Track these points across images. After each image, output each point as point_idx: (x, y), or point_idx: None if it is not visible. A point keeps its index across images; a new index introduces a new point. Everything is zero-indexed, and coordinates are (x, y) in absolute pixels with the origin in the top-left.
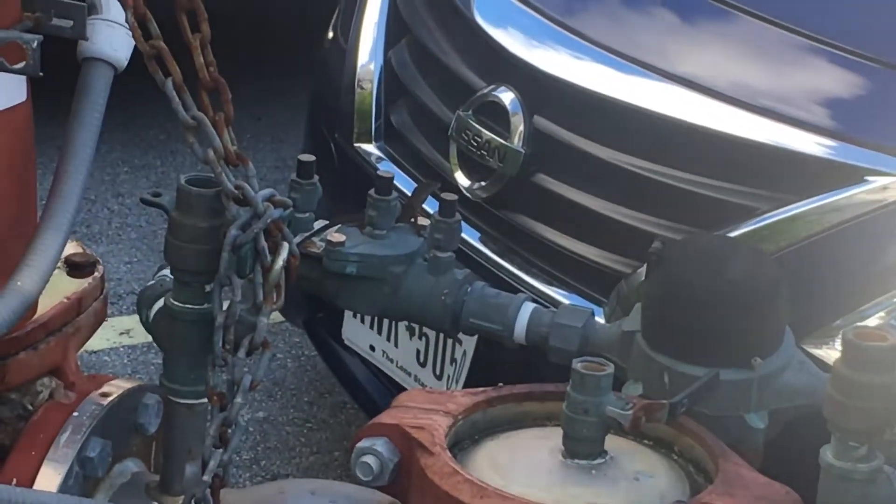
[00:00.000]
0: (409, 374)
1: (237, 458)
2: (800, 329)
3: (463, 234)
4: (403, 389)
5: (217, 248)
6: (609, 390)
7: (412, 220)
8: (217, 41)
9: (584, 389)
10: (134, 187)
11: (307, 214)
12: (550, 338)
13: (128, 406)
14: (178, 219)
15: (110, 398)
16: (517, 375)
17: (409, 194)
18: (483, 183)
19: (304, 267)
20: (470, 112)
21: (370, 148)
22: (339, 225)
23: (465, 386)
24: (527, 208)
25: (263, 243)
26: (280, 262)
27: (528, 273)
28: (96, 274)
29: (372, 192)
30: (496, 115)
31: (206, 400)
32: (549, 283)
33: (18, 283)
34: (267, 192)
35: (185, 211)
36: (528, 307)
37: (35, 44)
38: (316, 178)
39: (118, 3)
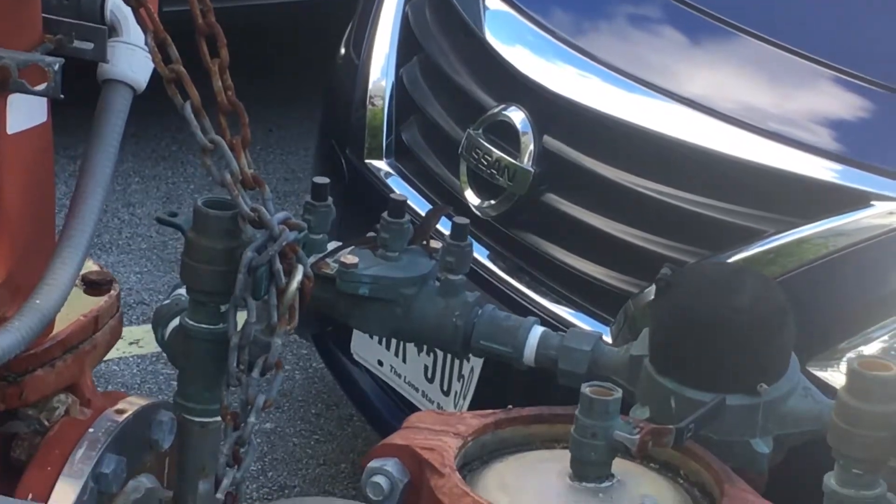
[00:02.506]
0: (417, 390)
1: None
2: (804, 352)
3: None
4: (410, 405)
5: (232, 269)
6: (617, 415)
7: (424, 242)
8: (230, 52)
9: (592, 414)
10: (145, 198)
11: (321, 236)
12: (559, 360)
13: (142, 422)
14: (195, 240)
15: (125, 415)
16: (524, 393)
17: (421, 214)
18: (493, 202)
19: (318, 287)
20: (480, 131)
21: (381, 164)
22: (353, 247)
23: (473, 402)
24: (536, 227)
25: (279, 265)
26: (295, 283)
27: (536, 292)
28: (112, 292)
29: (385, 214)
30: (506, 135)
31: (219, 418)
32: (557, 302)
33: (37, 302)
34: (282, 215)
35: (202, 232)
36: (538, 330)
37: (57, 66)
38: (330, 200)
39: (138, 26)
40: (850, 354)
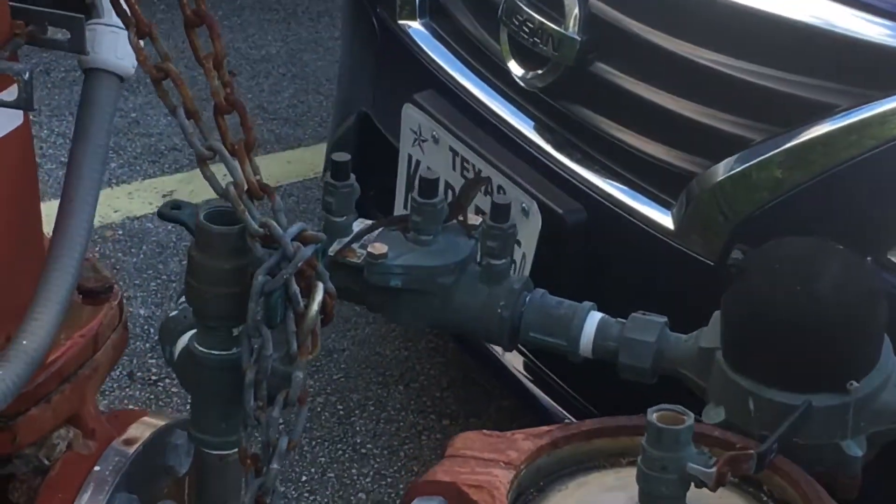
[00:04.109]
0: None
1: None
2: (885, 240)
3: (516, 124)
4: None
5: (243, 290)
6: (689, 444)
7: (461, 217)
8: None
9: (661, 445)
10: (171, 28)
11: (344, 218)
12: (620, 354)
13: (155, 450)
14: (199, 259)
15: (135, 446)
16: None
17: (461, 83)
18: (538, 72)
19: (345, 278)
20: None
21: (415, 25)
22: (381, 229)
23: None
24: (586, 100)
25: (295, 288)
26: (315, 306)
27: (587, 168)
28: (113, 301)
29: (414, 194)
30: None
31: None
32: (612, 181)
33: (24, 343)
34: (296, 228)
35: (206, 251)
36: (594, 318)
37: (27, 76)
38: (353, 178)
39: None
40: None
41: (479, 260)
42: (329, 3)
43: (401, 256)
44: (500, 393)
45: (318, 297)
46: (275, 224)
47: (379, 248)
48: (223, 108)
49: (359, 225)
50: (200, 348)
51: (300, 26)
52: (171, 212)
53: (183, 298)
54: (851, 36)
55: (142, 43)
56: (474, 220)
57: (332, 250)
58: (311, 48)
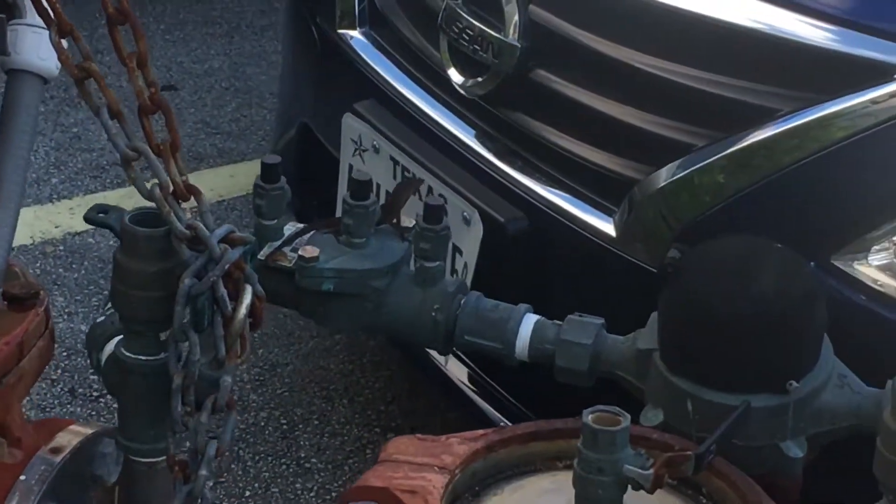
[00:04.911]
0: None
1: None
2: (828, 244)
3: (457, 133)
4: None
5: (170, 293)
6: (626, 445)
7: (395, 221)
8: None
9: (597, 447)
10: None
11: (275, 221)
12: (557, 356)
13: (83, 458)
14: (124, 262)
15: (62, 454)
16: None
17: (403, 93)
18: (478, 79)
19: (276, 282)
20: (459, 1)
21: (355, 34)
22: (313, 232)
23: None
24: (526, 107)
25: (223, 290)
26: (243, 309)
27: (529, 176)
28: (39, 308)
29: (347, 196)
30: (488, 5)
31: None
32: (552, 188)
33: None
34: (223, 229)
35: (132, 254)
36: (530, 320)
37: None
38: (283, 180)
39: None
40: (880, 246)
41: (412, 263)
42: (273, 17)
43: (333, 260)
44: (445, 405)
45: (247, 300)
46: (201, 226)
47: (310, 251)
48: (148, 109)
49: (290, 228)
50: (127, 354)
51: (243, 40)
52: (98, 216)
53: (110, 304)
54: (793, 39)
55: (65, 43)
56: (407, 222)
57: (262, 254)
58: (255, 62)
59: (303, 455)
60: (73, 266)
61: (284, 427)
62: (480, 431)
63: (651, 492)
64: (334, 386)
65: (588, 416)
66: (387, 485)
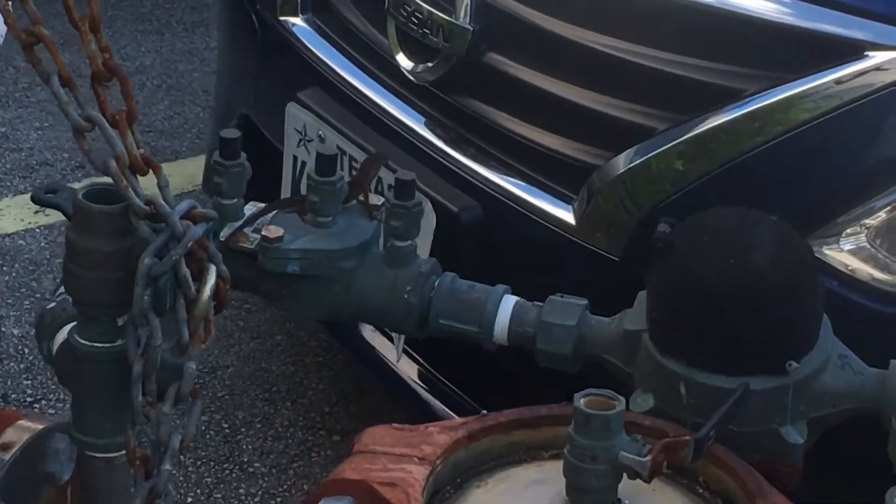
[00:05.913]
0: None
1: None
2: (798, 229)
3: (406, 120)
4: None
5: (128, 274)
6: (620, 431)
7: (362, 198)
8: None
9: (590, 433)
10: None
11: (235, 200)
12: (538, 339)
13: (34, 455)
14: (77, 242)
15: (11, 451)
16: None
17: (351, 82)
18: (428, 65)
19: (237, 265)
20: None
21: (298, 21)
22: (276, 212)
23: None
24: (479, 92)
25: (185, 270)
26: (207, 290)
27: (482, 164)
28: None
29: (312, 172)
30: None
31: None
32: (507, 176)
33: None
34: (185, 204)
35: (85, 232)
36: (509, 302)
37: None
38: (243, 156)
39: None
40: (851, 230)
41: (382, 243)
42: (204, 14)
43: (298, 240)
44: (392, 405)
45: (211, 280)
46: (161, 201)
47: (274, 231)
48: (101, 75)
49: (251, 208)
50: (81, 341)
51: (175, 37)
52: (46, 196)
53: (62, 289)
54: (752, 16)
55: (10, 5)
56: (376, 200)
57: (222, 235)
58: (187, 59)
59: (246, 459)
60: (4, 269)
61: (226, 431)
62: (460, 420)
63: (648, 480)
64: (277, 388)
65: (580, 400)
66: (364, 477)
